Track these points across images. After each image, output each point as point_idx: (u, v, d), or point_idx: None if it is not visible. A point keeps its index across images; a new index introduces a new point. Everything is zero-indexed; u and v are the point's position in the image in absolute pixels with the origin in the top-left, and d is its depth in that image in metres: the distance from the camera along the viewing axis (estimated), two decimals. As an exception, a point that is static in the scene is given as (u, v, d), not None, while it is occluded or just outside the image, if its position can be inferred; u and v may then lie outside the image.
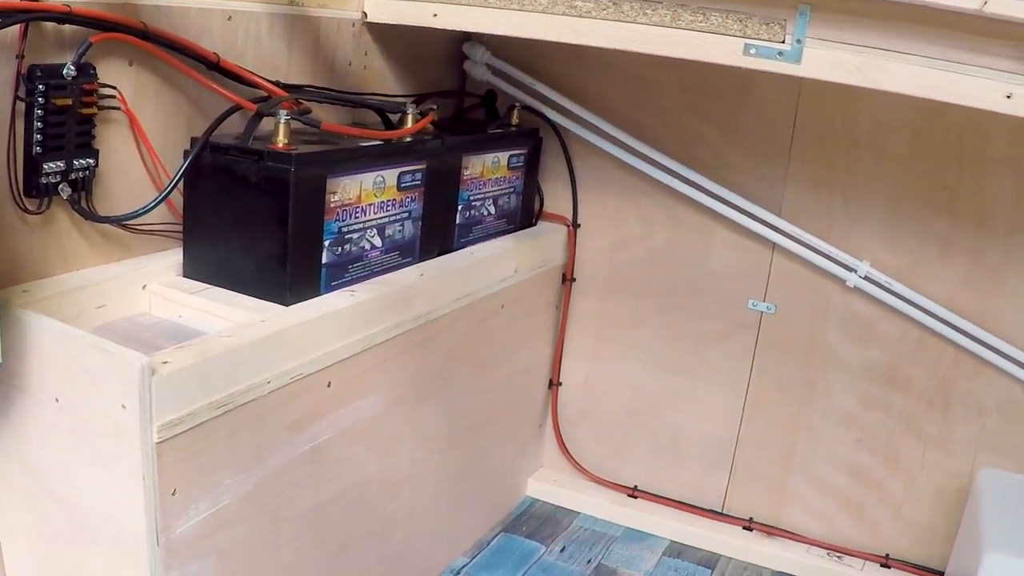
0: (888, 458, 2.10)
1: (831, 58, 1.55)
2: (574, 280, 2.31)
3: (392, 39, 2.06)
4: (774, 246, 2.10)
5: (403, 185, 1.71)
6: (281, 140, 1.50)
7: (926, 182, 1.95)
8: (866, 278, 2.01)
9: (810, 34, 1.56)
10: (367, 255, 1.65)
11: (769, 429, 2.20)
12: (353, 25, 1.94)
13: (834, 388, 2.12)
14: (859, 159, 2.00)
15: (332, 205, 1.54)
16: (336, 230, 1.56)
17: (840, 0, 1.52)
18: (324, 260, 1.55)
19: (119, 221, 1.46)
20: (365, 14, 1.95)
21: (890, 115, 1.95)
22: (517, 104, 2.18)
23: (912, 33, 1.49)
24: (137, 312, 1.50)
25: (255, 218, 1.49)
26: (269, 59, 1.73)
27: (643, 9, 1.68)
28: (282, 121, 1.50)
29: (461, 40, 2.26)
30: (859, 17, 1.52)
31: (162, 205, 1.49)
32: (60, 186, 1.36)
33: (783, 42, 1.58)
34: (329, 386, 1.50)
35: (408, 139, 1.75)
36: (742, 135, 2.10)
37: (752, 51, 1.61)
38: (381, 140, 1.69)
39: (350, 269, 1.61)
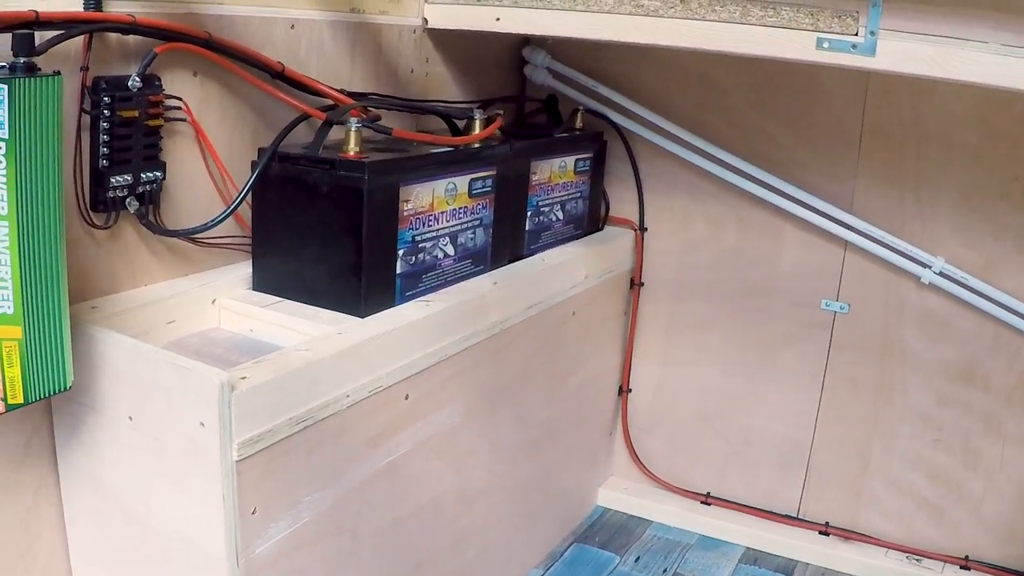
0: (967, 457, 2.04)
1: (905, 49, 1.50)
2: (642, 284, 2.27)
3: (452, 45, 2.03)
4: (846, 244, 2.05)
5: (474, 192, 1.67)
6: (352, 148, 1.47)
7: (998, 173, 1.90)
8: (941, 274, 1.95)
9: (883, 25, 1.51)
10: (440, 264, 1.61)
11: (844, 431, 2.15)
12: (414, 32, 1.91)
13: (910, 387, 2.06)
14: (929, 152, 1.95)
15: (405, 213, 1.50)
16: (410, 239, 1.52)
17: (912, -12, 1.48)
18: (398, 270, 1.51)
19: (187, 235, 1.43)
20: (426, 20, 1.92)
21: (958, 106, 1.90)
22: (580, 107, 2.14)
23: (987, 20, 1.44)
24: (208, 327, 1.48)
25: (327, 228, 1.45)
26: (332, 67, 1.70)
27: (712, 5, 1.64)
28: (353, 129, 1.47)
29: (520, 45, 2.24)
30: (933, 6, 1.47)
31: (230, 218, 1.46)
32: (127, 200, 1.34)
33: (856, 35, 1.54)
34: (407, 399, 1.46)
35: (477, 145, 1.71)
36: (810, 132, 2.05)
37: (825, 45, 1.56)
38: (451, 147, 1.65)
39: (424, 279, 1.58)
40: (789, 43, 1.59)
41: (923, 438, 2.07)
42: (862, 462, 2.14)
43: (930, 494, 2.09)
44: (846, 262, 2.07)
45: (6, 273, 1.04)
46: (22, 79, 1.01)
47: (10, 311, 1.05)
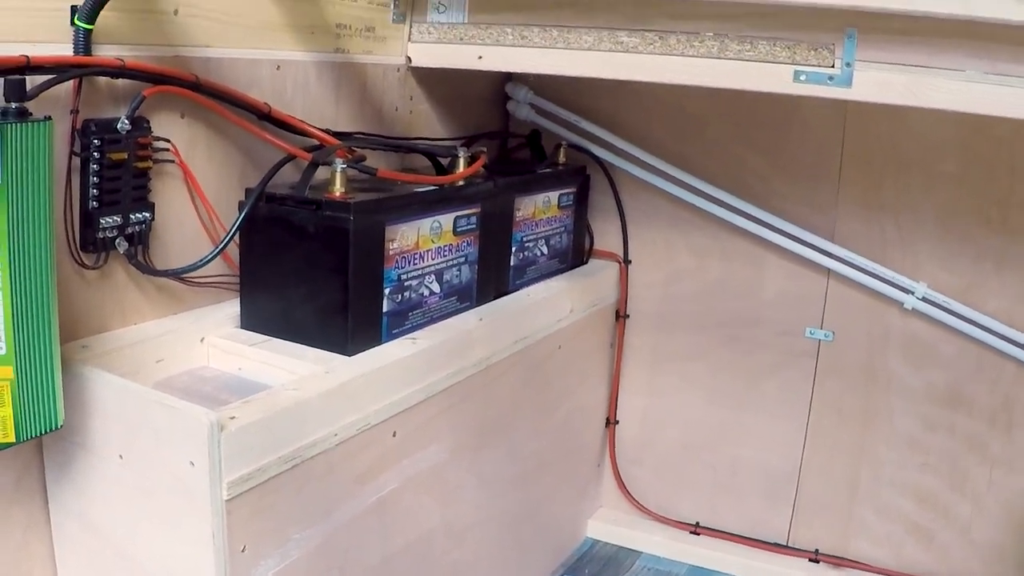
0: (954, 480, 2.05)
1: (881, 79, 1.52)
2: (627, 317, 2.28)
3: (436, 83, 2.04)
4: (829, 272, 2.07)
5: (459, 229, 1.68)
6: (338, 189, 1.48)
7: (977, 197, 1.92)
8: (924, 299, 1.97)
9: (859, 56, 1.54)
10: (426, 301, 1.63)
11: (832, 458, 2.16)
12: (398, 70, 1.94)
13: (896, 412, 2.08)
14: (909, 179, 1.97)
15: (391, 253, 1.52)
16: (396, 278, 1.54)
17: (887, 20, 1.49)
18: (385, 308, 1.52)
19: (176, 274, 1.44)
20: (409, 59, 1.94)
21: (937, 132, 1.92)
22: (563, 142, 2.16)
23: (960, 48, 1.47)
24: (197, 365, 1.48)
25: (314, 268, 1.47)
26: (318, 107, 1.72)
27: (690, 41, 1.66)
28: (338, 169, 1.49)
29: (503, 81, 2.26)
30: (906, 36, 1.49)
31: (218, 257, 1.47)
32: (117, 240, 1.35)
33: (833, 66, 1.56)
34: (394, 436, 1.47)
35: (461, 183, 1.72)
36: (790, 162, 2.07)
37: (803, 77, 1.58)
38: (436, 185, 1.67)
39: (410, 316, 1.59)
40: (767, 76, 1.61)
41: (910, 463, 2.08)
42: (850, 488, 2.15)
43: (919, 518, 2.10)
44: (829, 290, 2.09)
45: (-2, 316, 1.05)
46: (13, 124, 1.03)
47: (2, 351, 1.06)
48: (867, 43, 1.53)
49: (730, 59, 1.64)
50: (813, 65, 1.57)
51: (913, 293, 1.98)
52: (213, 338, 1.51)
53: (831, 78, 1.56)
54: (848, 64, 1.55)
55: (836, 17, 1.53)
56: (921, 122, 1.92)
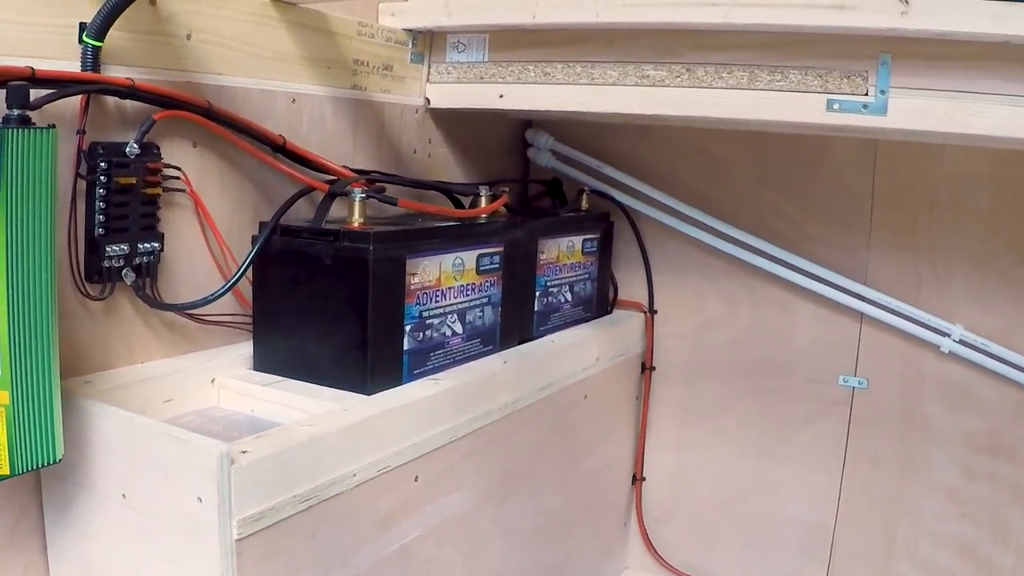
0: (996, 531, 1.95)
1: (917, 106, 1.47)
2: (653, 369, 2.20)
3: (455, 126, 2.00)
4: (862, 317, 2.00)
5: (482, 268, 1.61)
6: (357, 219, 1.41)
7: (1012, 234, 1.85)
8: (961, 341, 1.89)
9: (893, 83, 1.48)
10: (448, 342, 1.55)
11: (868, 511, 2.06)
12: (416, 111, 1.88)
13: (934, 461, 1.99)
14: (942, 218, 1.91)
15: (412, 287, 1.44)
16: (417, 314, 1.46)
17: (921, 45, 1.45)
18: (406, 346, 1.45)
19: (185, 309, 1.37)
20: (428, 100, 1.89)
21: (967, 168, 1.86)
22: (586, 188, 2.10)
23: (998, 72, 1.41)
24: (207, 405, 1.41)
25: (331, 303, 1.39)
26: (334, 144, 1.67)
27: (718, 73, 1.61)
28: (357, 200, 1.42)
29: (523, 127, 2.21)
30: (942, 60, 1.44)
31: (230, 295, 1.41)
32: (124, 271, 1.28)
33: (866, 94, 1.50)
34: (417, 480, 1.38)
35: (483, 219, 1.66)
36: (819, 204, 2.01)
37: (836, 106, 1.53)
38: (458, 219, 1.60)
39: (432, 357, 1.51)
40: (799, 107, 1.55)
41: (950, 513, 1.99)
42: (887, 541, 2.05)
43: (959, 571, 1.99)
44: (863, 335, 2.01)
45: (-7, 334, 0.98)
46: (15, 130, 0.97)
47: (-3, 374, 0.99)
48: (901, 69, 1.48)
49: (760, 90, 1.58)
50: (846, 93, 1.52)
51: (949, 336, 1.90)
52: (224, 379, 1.43)
53: (865, 106, 1.51)
54: (882, 91, 1.49)
55: (869, 44, 1.48)
56: (952, 159, 1.87)
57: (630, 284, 2.21)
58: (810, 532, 2.12)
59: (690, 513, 2.25)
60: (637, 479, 2.24)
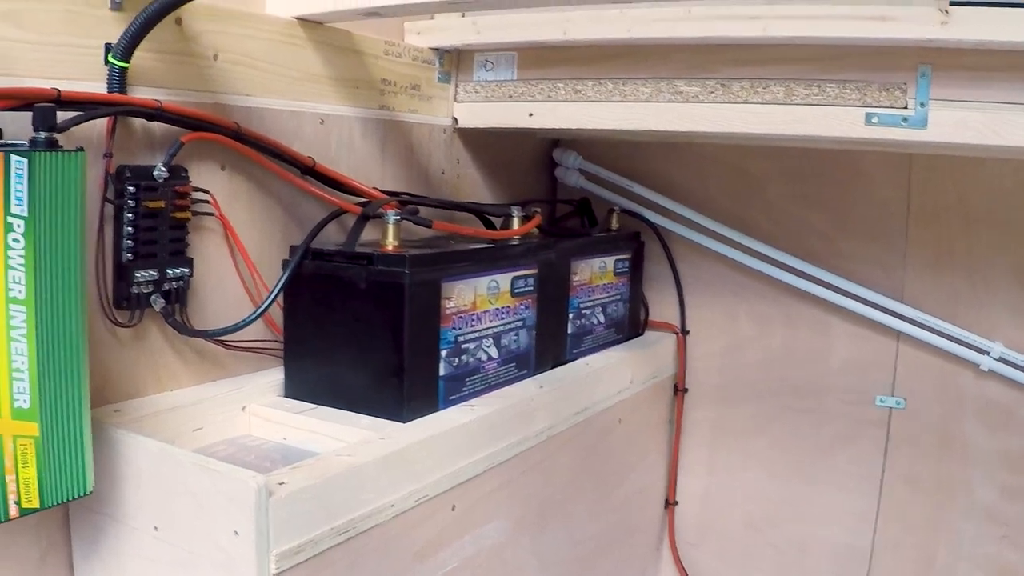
0: (1036, 553, 1.91)
1: (958, 118, 1.43)
2: (686, 390, 2.15)
3: (483, 146, 1.96)
4: (899, 335, 1.95)
5: (517, 291, 1.57)
6: (391, 242, 1.38)
7: (1052, 248, 1.82)
8: (1001, 359, 1.85)
9: (933, 95, 1.45)
10: (484, 367, 1.51)
11: (905, 533, 2.01)
12: (444, 131, 1.85)
13: (973, 482, 1.93)
14: (979, 233, 1.87)
15: (448, 311, 1.41)
16: (452, 339, 1.42)
17: (961, 56, 1.41)
18: (441, 372, 1.41)
19: (216, 336, 1.33)
20: (456, 120, 1.86)
21: (1006, 183, 1.82)
22: (616, 208, 2.06)
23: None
24: (238, 434, 1.37)
25: (365, 328, 1.35)
26: (363, 165, 1.63)
27: (754, 87, 1.58)
28: (391, 222, 1.39)
29: (551, 147, 2.17)
30: (982, 71, 1.41)
31: (260, 321, 1.37)
32: (153, 297, 1.24)
33: (906, 107, 1.47)
34: (453, 510, 1.34)
35: (516, 240, 1.62)
36: (854, 220, 1.97)
37: (875, 120, 1.49)
38: (492, 241, 1.56)
39: (467, 382, 1.47)
40: (837, 121, 1.52)
41: (989, 535, 1.93)
42: (926, 565, 2.00)
43: (1000, 594, 1.95)
44: (900, 354, 1.96)
45: (22, 363, 0.94)
46: (43, 153, 0.93)
47: (26, 405, 0.95)
48: (941, 81, 1.44)
49: (797, 104, 1.55)
50: (885, 106, 1.48)
51: (989, 353, 1.85)
52: (255, 406, 1.39)
53: (905, 119, 1.47)
54: (922, 104, 1.45)
55: (908, 55, 1.45)
56: (988, 173, 1.83)
57: (661, 304, 2.17)
58: (846, 556, 2.07)
59: (723, 537, 2.20)
60: (670, 503, 2.19)
